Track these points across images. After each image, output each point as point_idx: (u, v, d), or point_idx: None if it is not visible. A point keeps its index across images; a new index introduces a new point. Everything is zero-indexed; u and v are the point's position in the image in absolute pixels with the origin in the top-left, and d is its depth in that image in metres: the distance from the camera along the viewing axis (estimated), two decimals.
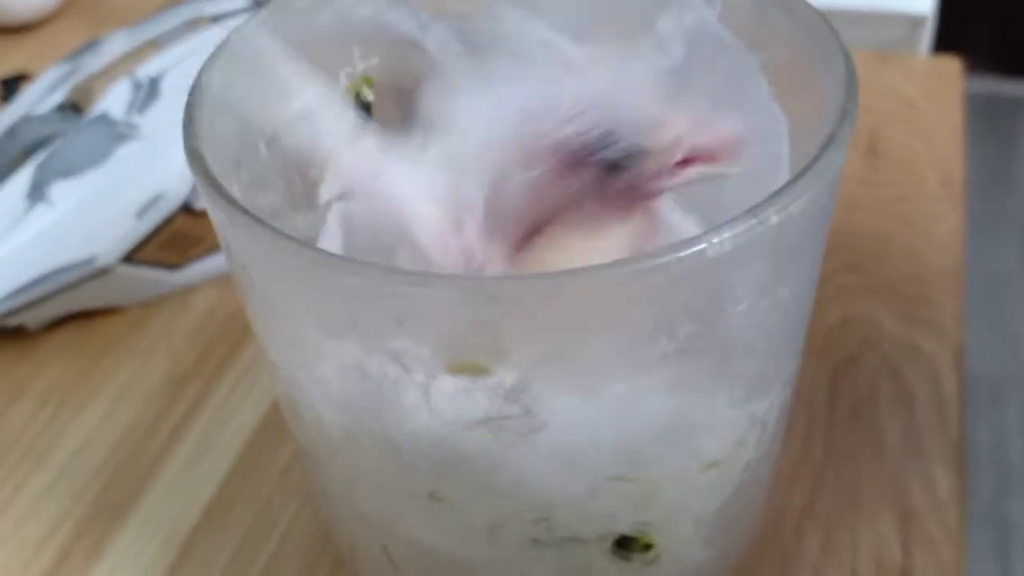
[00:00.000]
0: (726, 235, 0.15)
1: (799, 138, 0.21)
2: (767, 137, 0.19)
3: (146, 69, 0.35)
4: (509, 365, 0.17)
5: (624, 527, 0.20)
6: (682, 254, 0.15)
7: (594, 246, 0.18)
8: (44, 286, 0.33)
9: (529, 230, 0.18)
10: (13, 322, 0.34)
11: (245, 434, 0.31)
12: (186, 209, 0.34)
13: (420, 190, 0.18)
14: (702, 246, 0.15)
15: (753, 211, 0.16)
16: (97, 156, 0.33)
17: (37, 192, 0.33)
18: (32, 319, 0.34)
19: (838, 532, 0.28)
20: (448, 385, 0.17)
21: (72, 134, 0.34)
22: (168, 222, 0.34)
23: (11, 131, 0.35)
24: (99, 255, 0.33)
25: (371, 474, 0.20)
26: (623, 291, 0.16)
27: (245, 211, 0.17)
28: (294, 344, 0.18)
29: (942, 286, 0.35)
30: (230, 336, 0.34)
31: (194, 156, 0.18)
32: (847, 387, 0.32)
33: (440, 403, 0.17)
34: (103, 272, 0.33)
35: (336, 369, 0.18)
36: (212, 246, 0.36)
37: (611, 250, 0.18)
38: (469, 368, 0.17)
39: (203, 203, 0.34)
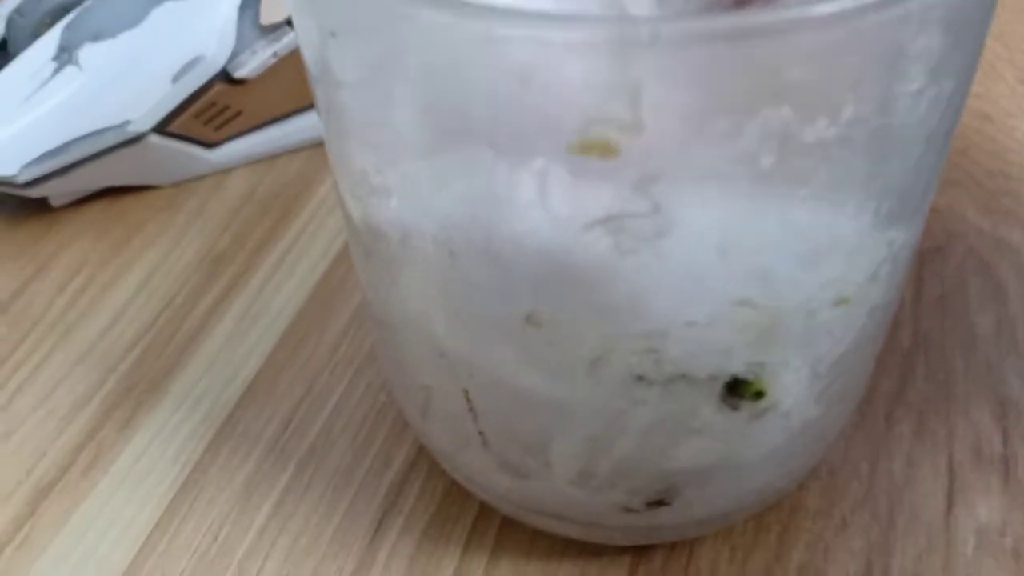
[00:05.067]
0: None
1: None
2: None
3: None
4: (643, 145, 0.14)
5: (739, 366, 0.18)
6: (856, 4, 0.13)
7: None
8: (73, 152, 0.30)
9: None
10: (36, 193, 0.31)
11: (291, 310, 0.29)
12: (224, 77, 0.32)
13: None
14: None
15: None
16: (130, 17, 0.31)
17: (65, 55, 0.31)
18: (58, 191, 0.32)
19: (932, 421, 0.26)
20: (569, 171, 0.15)
21: None
22: (205, 89, 0.31)
23: None
24: (132, 120, 0.31)
25: (461, 298, 0.18)
26: (787, 50, 0.13)
27: None
28: (386, 137, 0.16)
29: None
30: (271, 216, 0.32)
31: None
32: (934, 277, 0.30)
33: (557, 196, 0.15)
34: (135, 140, 0.31)
35: (438, 163, 0.16)
36: (249, 123, 0.33)
37: None
38: (597, 147, 0.15)
39: (242, 70, 0.32)
